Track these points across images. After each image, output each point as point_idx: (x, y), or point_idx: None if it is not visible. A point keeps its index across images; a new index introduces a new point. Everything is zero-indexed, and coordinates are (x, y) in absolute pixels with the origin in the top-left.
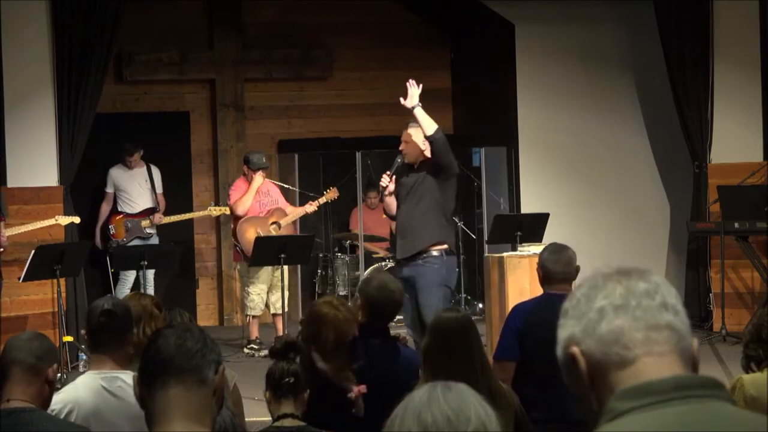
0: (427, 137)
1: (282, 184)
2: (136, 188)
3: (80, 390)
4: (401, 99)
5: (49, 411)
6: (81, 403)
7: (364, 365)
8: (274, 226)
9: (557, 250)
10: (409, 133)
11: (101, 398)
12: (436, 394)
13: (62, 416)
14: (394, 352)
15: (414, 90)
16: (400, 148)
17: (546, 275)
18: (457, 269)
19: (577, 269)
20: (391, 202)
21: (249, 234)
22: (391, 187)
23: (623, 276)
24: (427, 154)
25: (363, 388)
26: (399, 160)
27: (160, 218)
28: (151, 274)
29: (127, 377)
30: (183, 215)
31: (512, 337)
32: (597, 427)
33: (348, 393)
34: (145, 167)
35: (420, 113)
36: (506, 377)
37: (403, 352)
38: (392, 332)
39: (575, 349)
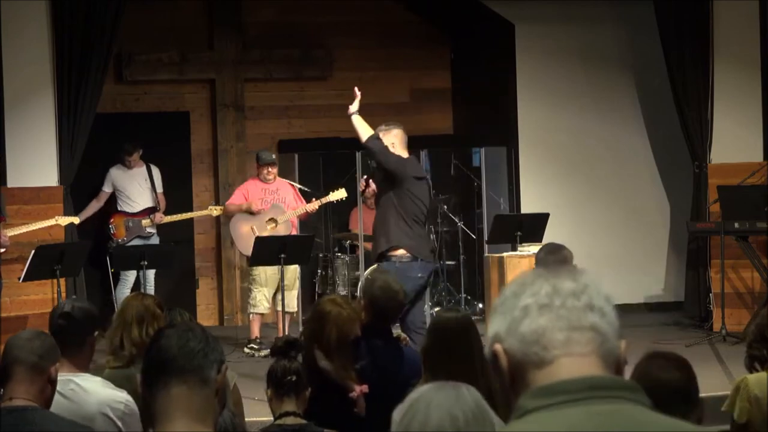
0: (361, 144)
1: (297, 185)
2: (136, 188)
3: None
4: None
5: None
6: None
7: (366, 365)
8: (271, 223)
9: (553, 250)
10: (388, 136)
11: (54, 401)
12: (462, 393)
13: None
14: (396, 352)
15: (358, 97)
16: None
17: None
18: (419, 275)
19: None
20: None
21: (243, 229)
22: (369, 190)
23: (552, 275)
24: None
25: (365, 387)
26: (373, 164)
27: (161, 218)
28: (151, 274)
29: (82, 380)
30: (183, 215)
31: None
32: (506, 424)
33: (350, 392)
34: (144, 167)
35: (356, 120)
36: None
37: (406, 353)
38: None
39: (498, 347)
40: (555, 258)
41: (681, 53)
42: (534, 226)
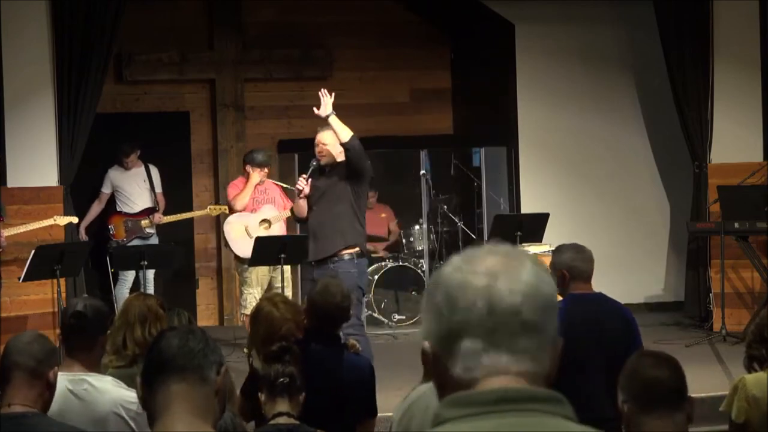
0: (342, 144)
1: (283, 184)
2: (135, 188)
3: None
4: (315, 109)
5: None
6: None
7: (302, 369)
8: (264, 224)
9: (580, 249)
10: (324, 136)
11: (65, 400)
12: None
13: None
14: (337, 358)
15: (327, 99)
16: (318, 151)
17: (575, 275)
18: (367, 271)
19: None
20: (303, 204)
21: (236, 232)
22: (307, 190)
23: (492, 279)
24: (341, 158)
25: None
26: (314, 163)
27: (160, 218)
28: (151, 274)
29: (95, 380)
30: (183, 214)
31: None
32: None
33: None
34: (143, 167)
35: (335, 121)
36: None
37: (349, 359)
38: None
39: (427, 346)
40: (585, 256)
41: (681, 53)
42: (534, 226)
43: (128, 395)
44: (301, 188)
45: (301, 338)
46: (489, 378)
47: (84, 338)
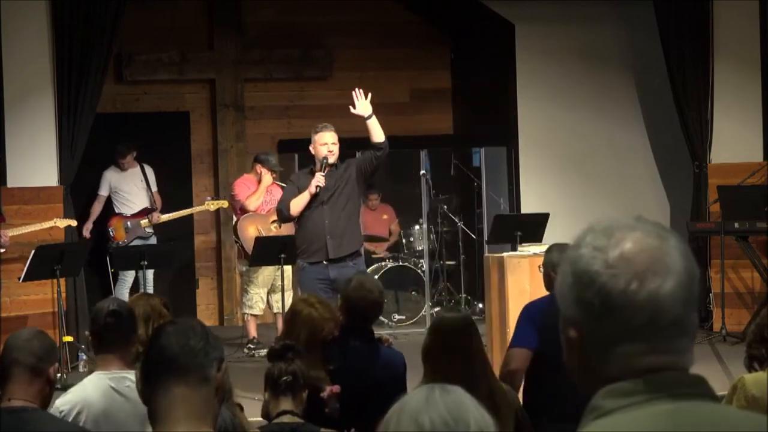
0: (377, 144)
1: (283, 185)
2: (132, 189)
3: (89, 391)
4: (352, 108)
5: (58, 412)
6: (90, 403)
7: (340, 366)
8: (274, 224)
9: (565, 248)
10: (334, 136)
11: (110, 399)
12: (434, 397)
13: (71, 417)
14: (374, 354)
15: (364, 99)
16: (329, 151)
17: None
18: None
19: None
20: (304, 203)
21: (250, 231)
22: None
23: (645, 281)
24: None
25: (336, 388)
26: (326, 161)
27: (159, 217)
28: (150, 274)
29: (134, 376)
30: (180, 212)
31: (530, 326)
32: (583, 422)
33: (320, 393)
34: (138, 167)
35: (374, 121)
36: (520, 367)
37: (385, 355)
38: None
39: (572, 334)
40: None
41: (681, 53)
42: (534, 226)
43: None
44: (322, 185)
45: (338, 336)
46: (650, 356)
47: (120, 336)
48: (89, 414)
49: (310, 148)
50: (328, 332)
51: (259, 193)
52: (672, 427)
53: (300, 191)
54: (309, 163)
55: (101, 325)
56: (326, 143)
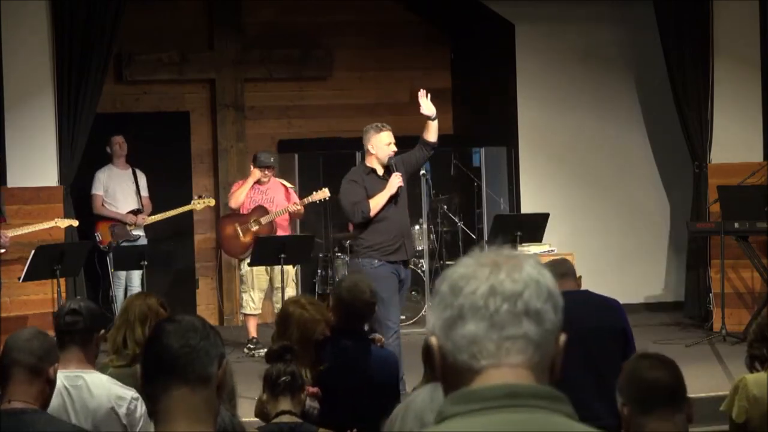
0: (431, 144)
1: (288, 184)
2: (123, 190)
3: None
4: (423, 111)
5: None
6: None
7: (332, 366)
8: (255, 225)
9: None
10: (392, 134)
11: (62, 396)
12: (438, 396)
13: None
14: (366, 353)
15: (427, 100)
16: (393, 151)
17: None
18: None
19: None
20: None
21: (227, 231)
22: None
23: (495, 269)
24: None
25: (316, 389)
26: (392, 161)
27: (144, 218)
28: (137, 277)
29: (90, 376)
30: (167, 212)
31: None
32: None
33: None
34: (130, 170)
35: (436, 122)
36: None
37: (377, 354)
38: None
39: (433, 341)
40: (554, 262)
41: (681, 53)
42: (534, 226)
43: (122, 392)
44: (403, 185)
45: (330, 336)
46: (494, 369)
47: (80, 335)
48: None
49: (368, 146)
50: (320, 333)
51: (241, 191)
52: None
53: (368, 191)
54: (309, 162)
55: (61, 324)
56: (390, 143)
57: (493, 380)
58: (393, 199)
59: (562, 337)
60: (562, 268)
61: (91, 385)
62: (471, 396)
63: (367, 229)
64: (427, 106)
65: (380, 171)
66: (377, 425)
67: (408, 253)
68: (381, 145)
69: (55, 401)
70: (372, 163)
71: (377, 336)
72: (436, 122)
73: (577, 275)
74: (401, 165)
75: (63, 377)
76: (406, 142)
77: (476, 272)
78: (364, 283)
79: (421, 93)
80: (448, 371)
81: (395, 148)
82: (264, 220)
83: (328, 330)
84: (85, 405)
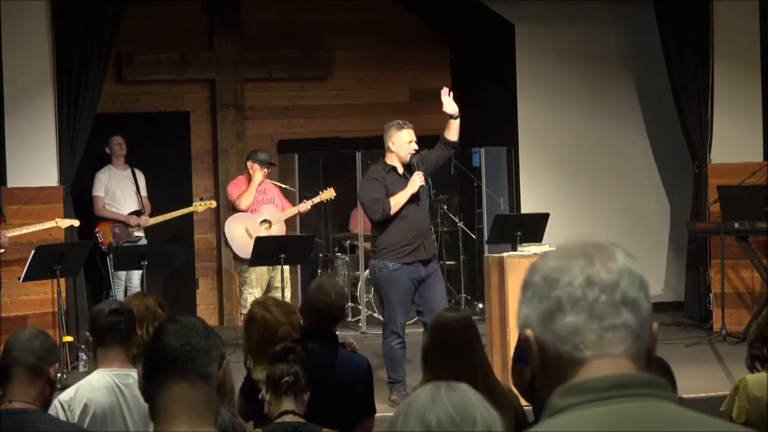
0: (453, 143)
1: (281, 185)
2: (123, 191)
3: (94, 386)
4: (447, 109)
5: (65, 406)
6: (97, 399)
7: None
8: (265, 224)
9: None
10: (413, 132)
11: (114, 395)
12: (439, 395)
13: (78, 411)
14: (333, 357)
15: (450, 98)
16: (414, 149)
17: None
18: None
19: None
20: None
21: (237, 232)
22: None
23: (588, 260)
24: None
25: None
26: (414, 159)
27: (146, 220)
28: (136, 278)
29: (137, 374)
30: (168, 214)
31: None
32: (539, 420)
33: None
34: (129, 170)
35: (458, 121)
36: (521, 382)
37: (345, 358)
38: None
39: (529, 333)
40: None
41: (681, 53)
42: (534, 226)
43: None
44: (424, 183)
45: (297, 338)
46: (598, 359)
47: (123, 334)
48: (96, 409)
49: (389, 144)
50: (284, 334)
51: (249, 192)
52: (618, 426)
53: (388, 189)
54: (309, 162)
55: (104, 324)
56: (411, 140)
57: (598, 371)
58: (414, 199)
59: (655, 325)
60: None
61: None
62: (581, 388)
63: (386, 228)
64: (449, 104)
65: (401, 169)
66: (345, 429)
67: (427, 251)
68: (402, 142)
69: (107, 399)
70: (392, 160)
71: (348, 340)
72: (458, 121)
73: None
74: (422, 164)
75: (112, 375)
76: None
77: (569, 264)
78: (329, 285)
79: (444, 91)
80: (548, 363)
81: (416, 146)
82: (275, 220)
83: (295, 333)
84: (138, 403)
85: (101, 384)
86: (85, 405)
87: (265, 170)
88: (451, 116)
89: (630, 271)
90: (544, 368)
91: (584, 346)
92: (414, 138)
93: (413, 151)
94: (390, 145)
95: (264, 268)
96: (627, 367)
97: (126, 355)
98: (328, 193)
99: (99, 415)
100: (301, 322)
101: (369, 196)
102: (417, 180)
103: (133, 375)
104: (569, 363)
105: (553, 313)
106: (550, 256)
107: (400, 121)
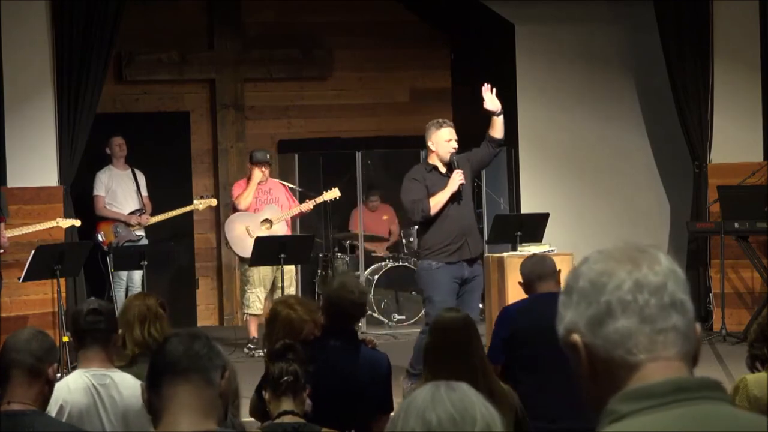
0: (498, 141)
1: (289, 184)
2: (123, 191)
3: (71, 388)
4: (489, 106)
5: None
6: (72, 401)
7: (320, 367)
8: (266, 224)
9: (532, 257)
10: (453, 130)
11: (92, 396)
12: (440, 395)
13: (54, 413)
14: (355, 354)
15: (492, 95)
16: (454, 148)
17: (533, 279)
18: None
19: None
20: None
21: (237, 231)
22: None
23: (634, 264)
24: None
25: (309, 389)
26: (456, 158)
27: (147, 219)
28: (138, 277)
29: (116, 375)
30: (169, 213)
31: (498, 340)
32: (599, 427)
33: None
34: (129, 170)
35: (502, 118)
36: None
37: (366, 356)
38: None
39: (577, 339)
40: (534, 260)
41: (681, 53)
42: (534, 226)
43: None
44: (464, 182)
45: (319, 336)
46: (651, 363)
47: (101, 334)
48: (72, 409)
49: (429, 143)
50: (308, 333)
51: (248, 191)
52: (681, 430)
53: (429, 189)
54: (309, 162)
55: (83, 324)
56: (451, 139)
57: (653, 374)
58: (455, 198)
59: (698, 326)
60: (540, 269)
61: (119, 384)
62: (642, 393)
63: (429, 228)
64: (491, 100)
65: (442, 169)
66: (365, 427)
67: (472, 251)
68: (441, 141)
69: (84, 400)
70: (433, 160)
71: (369, 338)
72: (501, 117)
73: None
74: (466, 162)
75: (90, 376)
76: (406, 142)
77: (616, 268)
78: (352, 283)
79: (486, 87)
80: (599, 367)
81: (456, 145)
82: (276, 219)
83: (318, 330)
84: (115, 403)
85: (78, 385)
86: (61, 406)
87: (264, 169)
88: (493, 113)
89: (675, 273)
90: (594, 373)
91: (637, 350)
92: (454, 136)
93: (453, 150)
94: (430, 144)
95: (268, 268)
96: (680, 369)
97: (106, 355)
98: (332, 194)
99: (75, 415)
100: (322, 320)
101: (409, 197)
102: (456, 179)
103: (111, 375)
104: (622, 367)
105: (603, 318)
106: (593, 261)
107: (440, 120)
